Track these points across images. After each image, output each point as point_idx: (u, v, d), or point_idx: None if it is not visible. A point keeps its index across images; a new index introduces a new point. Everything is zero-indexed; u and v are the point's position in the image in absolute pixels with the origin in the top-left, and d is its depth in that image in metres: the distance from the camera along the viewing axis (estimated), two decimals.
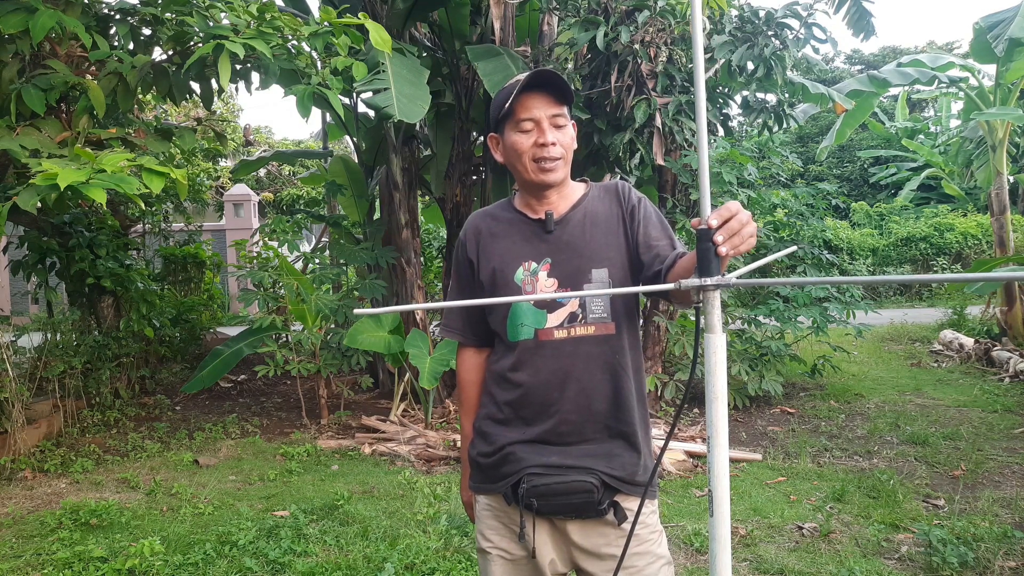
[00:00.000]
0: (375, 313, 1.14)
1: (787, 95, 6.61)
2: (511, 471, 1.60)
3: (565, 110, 1.61)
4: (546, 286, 1.60)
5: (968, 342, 8.57)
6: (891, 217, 18.18)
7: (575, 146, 1.66)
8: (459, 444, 5.28)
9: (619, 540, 1.55)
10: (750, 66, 5.94)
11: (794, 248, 1.65)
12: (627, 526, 1.54)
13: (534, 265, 1.62)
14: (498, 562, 1.64)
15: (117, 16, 4.74)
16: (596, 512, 1.55)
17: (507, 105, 1.59)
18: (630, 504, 1.56)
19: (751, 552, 3.46)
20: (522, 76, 1.60)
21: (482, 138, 7.47)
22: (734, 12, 5.99)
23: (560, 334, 1.58)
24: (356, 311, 1.08)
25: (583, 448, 1.57)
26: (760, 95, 6.61)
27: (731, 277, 1.16)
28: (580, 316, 1.59)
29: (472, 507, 1.76)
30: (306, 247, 7.98)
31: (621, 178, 7.35)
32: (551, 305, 1.59)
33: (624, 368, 1.60)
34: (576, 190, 1.70)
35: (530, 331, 1.60)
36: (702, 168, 1.17)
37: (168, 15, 4.53)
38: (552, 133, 1.59)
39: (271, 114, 64.91)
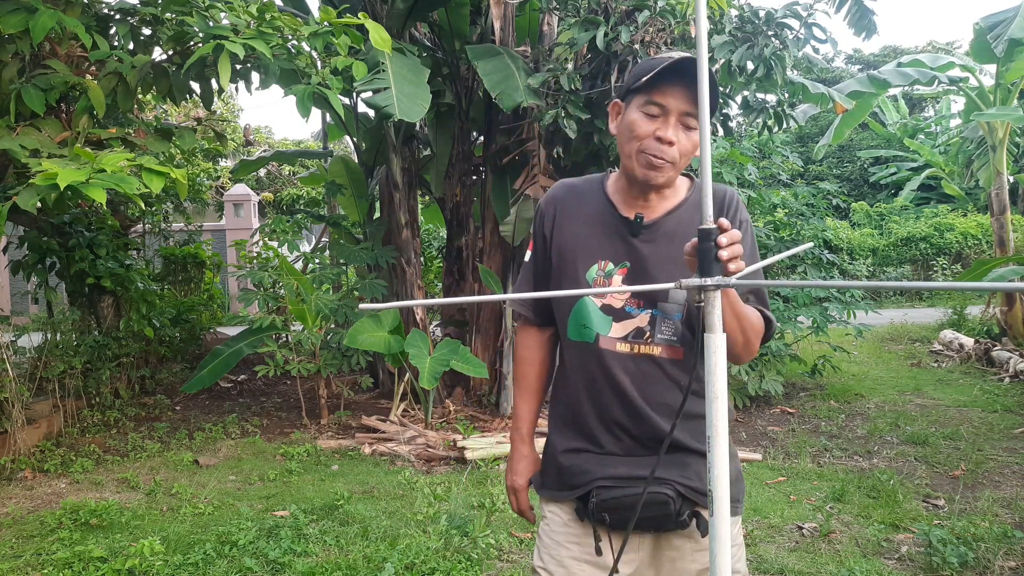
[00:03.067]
0: (380, 309, 1.14)
1: (787, 95, 6.61)
2: (578, 483, 1.51)
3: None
4: (618, 293, 1.46)
5: (968, 342, 8.57)
6: (891, 217, 18.19)
7: (696, 154, 1.43)
8: (458, 444, 5.30)
9: (694, 554, 1.48)
10: (750, 66, 5.93)
11: (809, 245, 1.62)
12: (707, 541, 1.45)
13: (610, 266, 1.50)
14: None
15: (117, 16, 4.74)
16: (676, 524, 1.45)
17: (645, 79, 1.39)
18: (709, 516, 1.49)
19: (751, 552, 3.45)
20: (678, 54, 1.39)
21: (482, 138, 7.47)
22: (734, 12, 5.99)
23: (622, 347, 1.48)
24: (361, 306, 1.08)
25: (654, 459, 1.46)
26: (760, 95, 6.61)
27: (732, 277, 1.16)
28: (647, 334, 1.47)
29: (518, 493, 1.66)
30: (306, 247, 7.98)
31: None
32: (618, 313, 1.48)
33: (692, 390, 1.41)
34: (678, 189, 1.53)
35: (591, 334, 1.49)
36: (704, 168, 1.17)
37: (168, 15, 4.53)
38: (676, 131, 1.41)
39: (271, 114, 64.92)
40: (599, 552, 1.48)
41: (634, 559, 1.51)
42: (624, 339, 1.48)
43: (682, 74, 1.37)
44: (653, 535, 1.50)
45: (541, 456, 1.66)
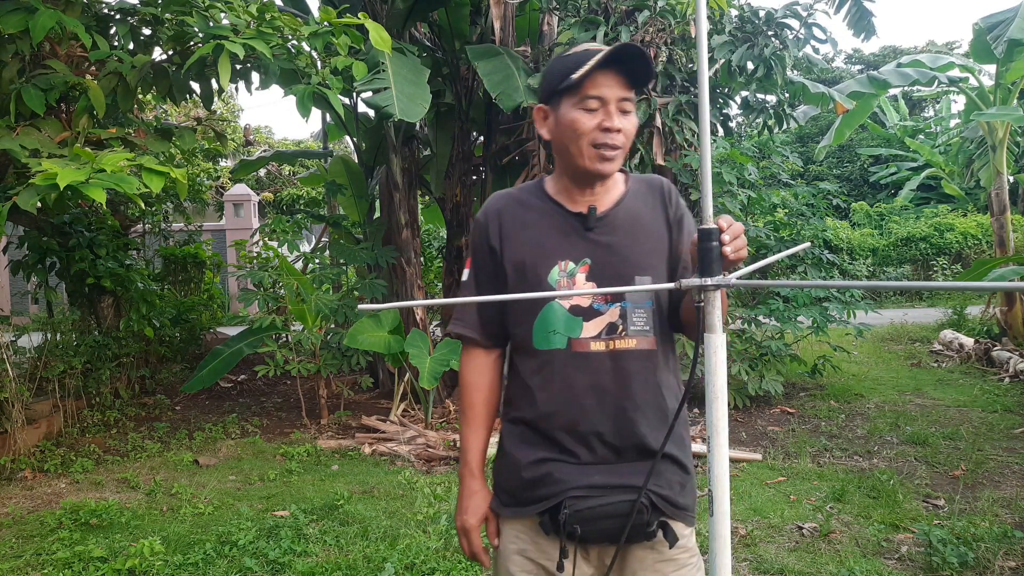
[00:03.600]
0: (380, 309, 1.13)
1: (787, 95, 6.61)
2: (548, 494, 1.43)
3: (633, 96, 1.43)
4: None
5: (968, 342, 8.57)
6: (891, 217, 18.19)
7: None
8: (459, 444, 5.28)
9: (657, 564, 1.45)
10: (750, 66, 5.94)
11: (807, 245, 1.62)
12: (674, 551, 1.45)
13: (571, 265, 1.45)
14: None
15: (117, 16, 4.74)
16: (646, 535, 1.41)
17: (575, 77, 1.38)
18: (677, 527, 1.45)
19: (751, 552, 3.45)
20: (594, 47, 1.41)
21: (482, 138, 7.47)
22: (734, 12, 6.00)
23: (597, 346, 1.43)
24: (360, 307, 1.07)
25: (630, 466, 1.43)
26: (760, 95, 6.62)
27: (731, 277, 1.16)
28: (620, 328, 1.43)
29: (469, 533, 1.54)
30: (306, 247, 7.98)
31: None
32: (588, 312, 1.44)
33: (668, 385, 1.48)
34: (617, 181, 1.52)
35: (562, 340, 1.43)
36: (704, 168, 1.17)
37: (168, 15, 4.53)
38: (619, 118, 1.41)
39: (271, 114, 64.92)
40: (561, 568, 1.41)
41: (599, 569, 1.47)
42: (598, 337, 1.43)
43: (609, 63, 1.38)
44: (630, 552, 1.45)
45: (494, 481, 1.57)
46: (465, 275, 1.58)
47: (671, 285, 1.20)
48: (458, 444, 5.17)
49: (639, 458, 1.43)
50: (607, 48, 1.37)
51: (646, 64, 1.40)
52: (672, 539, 1.42)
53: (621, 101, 1.41)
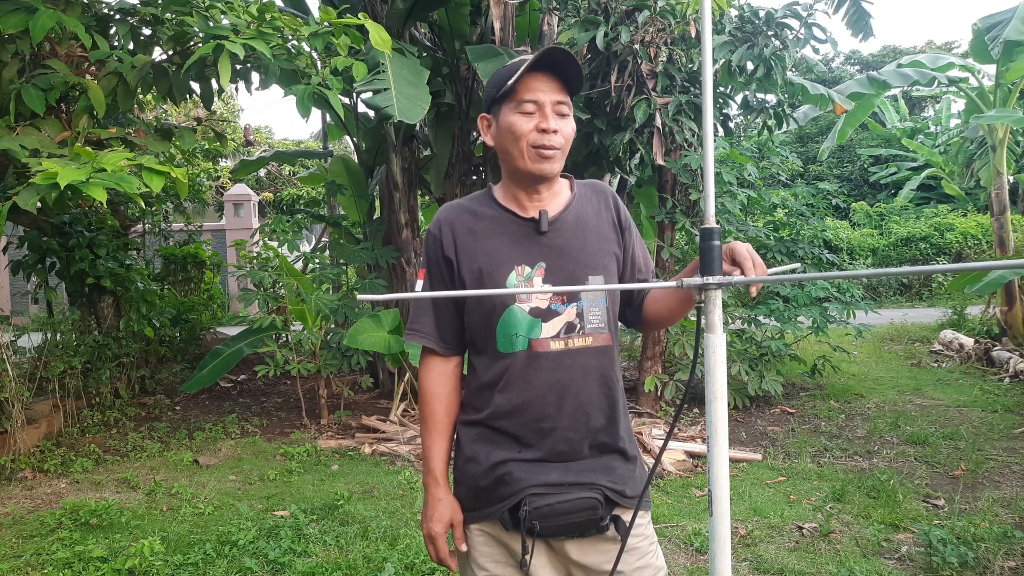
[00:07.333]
0: (380, 300, 1.14)
1: (787, 95, 6.61)
2: (508, 493, 1.49)
3: (569, 100, 1.49)
4: (541, 293, 1.49)
5: (968, 342, 8.57)
6: (891, 217, 18.19)
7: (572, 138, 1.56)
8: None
9: (622, 555, 1.49)
10: (750, 66, 5.93)
11: (796, 266, 1.65)
12: (634, 540, 1.50)
13: (528, 269, 1.50)
14: None
15: (117, 16, 4.74)
16: (599, 529, 1.48)
17: (510, 83, 1.44)
18: (629, 517, 1.50)
19: (751, 552, 3.46)
20: (531, 56, 1.45)
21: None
22: (734, 12, 5.99)
23: (556, 345, 1.47)
24: (360, 296, 1.08)
25: (583, 463, 1.50)
26: (760, 95, 6.61)
27: (732, 277, 1.16)
28: (578, 326, 1.49)
29: (435, 540, 1.56)
30: (306, 247, 7.97)
31: (622, 178, 7.26)
32: (546, 313, 1.48)
33: (617, 380, 1.54)
34: (563, 187, 1.59)
35: (524, 342, 1.47)
36: (707, 167, 1.17)
37: (168, 15, 4.53)
38: (555, 120, 1.47)
39: (271, 114, 64.90)
40: (524, 565, 1.47)
41: (560, 552, 1.52)
42: (556, 337, 1.48)
43: (542, 67, 1.44)
44: (577, 539, 1.50)
45: (455, 491, 1.60)
46: (419, 286, 1.58)
47: (671, 284, 1.20)
48: None
49: (592, 453, 1.51)
50: (536, 53, 1.44)
51: (576, 68, 1.46)
52: (624, 532, 1.47)
53: (556, 104, 1.47)
